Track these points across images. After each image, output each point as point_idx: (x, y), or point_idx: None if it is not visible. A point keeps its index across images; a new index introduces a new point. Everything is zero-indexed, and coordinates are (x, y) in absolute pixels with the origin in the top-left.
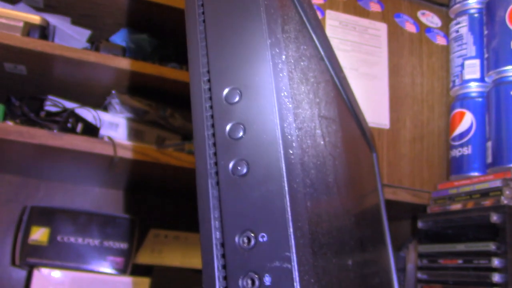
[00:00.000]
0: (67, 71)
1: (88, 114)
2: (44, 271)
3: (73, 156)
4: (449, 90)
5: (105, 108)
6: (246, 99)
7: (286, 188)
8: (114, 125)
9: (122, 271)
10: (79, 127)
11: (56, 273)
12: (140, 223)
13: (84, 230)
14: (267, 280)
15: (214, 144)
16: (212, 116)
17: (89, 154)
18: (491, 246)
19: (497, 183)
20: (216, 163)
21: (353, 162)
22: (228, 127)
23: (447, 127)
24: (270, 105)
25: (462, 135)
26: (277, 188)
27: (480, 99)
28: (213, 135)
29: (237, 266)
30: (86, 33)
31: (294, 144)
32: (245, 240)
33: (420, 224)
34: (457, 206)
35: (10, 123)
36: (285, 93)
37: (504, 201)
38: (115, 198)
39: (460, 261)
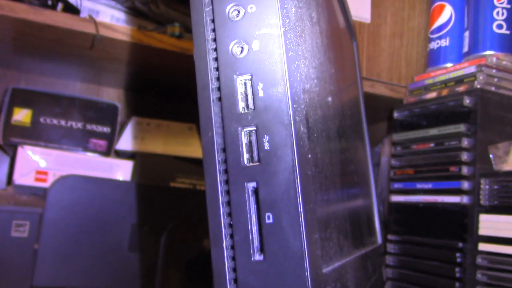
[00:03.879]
0: None
1: None
2: (28, 148)
3: (54, 35)
4: None
5: None
6: None
7: None
8: (95, 12)
9: (105, 153)
10: (59, 6)
11: (40, 151)
12: (123, 113)
13: (67, 112)
14: (255, 45)
15: None
16: None
17: (71, 32)
18: (462, 128)
19: (472, 69)
20: None
21: (337, 41)
22: None
23: (427, 25)
24: None
25: (441, 28)
26: None
27: None
28: None
29: (227, 35)
30: None
31: None
32: (234, 12)
33: (396, 114)
34: (432, 95)
35: None
36: None
37: (478, 85)
38: (96, 93)
39: (432, 145)
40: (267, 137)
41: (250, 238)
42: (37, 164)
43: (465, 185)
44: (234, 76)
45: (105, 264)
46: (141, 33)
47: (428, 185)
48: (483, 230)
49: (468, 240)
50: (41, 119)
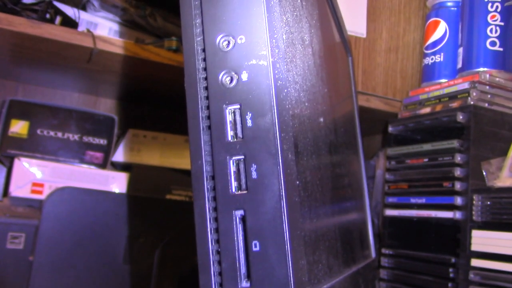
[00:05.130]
0: None
1: (67, 10)
2: (25, 160)
3: (52, 48)
4: (425, 3)
5: (83, 8)
6: None
7: None
8: (93, 25)
9: (101, 166)
10: (58, 19)
11: (37, 163)
12: (119, 124)
13: (64, 125)
14: (244, 76)
15: None
16: None
17: (68, 45)
18: (455, 143)
19: (465, 86)
20: None
21: (331, 59)
22: None
23: (422, 40)
24: None
25: (435, 44)
26: None
27: (455, 9)
28: None
29: (217, 65)
30: None
31: None
32: (225, 42)
33: (390, 129)
34: (426, 110)
35: None
36: None
37: (471, 102)
38: (94, 104)
39: (426, 160)
40: (255, 166)
41: (237, 265)
42: (33, 176)
43: (458, 200)
44: (224, 105)
45: (100, 276)
46: (138, 46)
47: (422, 200)
48: (475, 246)
49: (460, 256)
50: (38, 131)
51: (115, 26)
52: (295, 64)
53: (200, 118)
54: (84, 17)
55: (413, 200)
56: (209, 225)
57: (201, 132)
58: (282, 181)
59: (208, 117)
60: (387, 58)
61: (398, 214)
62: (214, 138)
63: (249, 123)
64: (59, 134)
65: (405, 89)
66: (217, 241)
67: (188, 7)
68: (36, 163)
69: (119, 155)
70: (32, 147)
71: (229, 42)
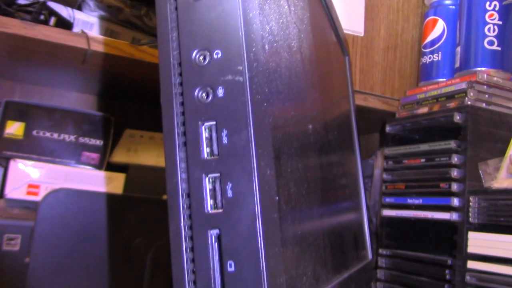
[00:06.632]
0: None
1: (61, 10)
2: (20, 161)
3: (46, 49)
4: (424, 1)
5: (79, 8)
6: None
7: (241, 6)
8: (89, 25)
9: (97, 167)
10: (52, 20)
11: (33, 164)
12: (116, 124)
13: (60, 125)
14: (220, 92)
15: None
16: None
17: (63, 47)
18: (452, 144)
19: (463, 85)
20: None
21: (324, 61)
22: None
23: (421, 38)
24: None
25: (433, 42)
26: (232, 7)
27: (453, 7)
28: None
29: (193, 80)
30: None
31: None
32: (201, 57)
33: (388, 128)
34: (424, 110)
35: None
36: None
37: (468, 102)
38: (91, 103)
39: (423, 160)
40: (230, 185)
41: (212, 285)
42: (29, 177)
43: (455, 202)
44: (199, 122)
45: (96, 277)
46: (133, 47)
47: (419, 201)
48: (471, 248)
49: (457, 257)
50: (34, 132)
51: (111, 26)
52: (280, 73)
53: (176, 134)
54: (79, 17)
55: (410, 201)
56: (185, 244)
57: (177, 148)
58: (258, 199)
59: (184, 134)
60: (385, 56)
61: (396, 214)
62: (189, 155)
63: (225, 140)
64: (55, 135)
65: (403, 88)
66: (193, 260)
67: (164, 20)
68: (32, 164)
69: (116, 156)
70: (28, 148)
71: (205, 56)
